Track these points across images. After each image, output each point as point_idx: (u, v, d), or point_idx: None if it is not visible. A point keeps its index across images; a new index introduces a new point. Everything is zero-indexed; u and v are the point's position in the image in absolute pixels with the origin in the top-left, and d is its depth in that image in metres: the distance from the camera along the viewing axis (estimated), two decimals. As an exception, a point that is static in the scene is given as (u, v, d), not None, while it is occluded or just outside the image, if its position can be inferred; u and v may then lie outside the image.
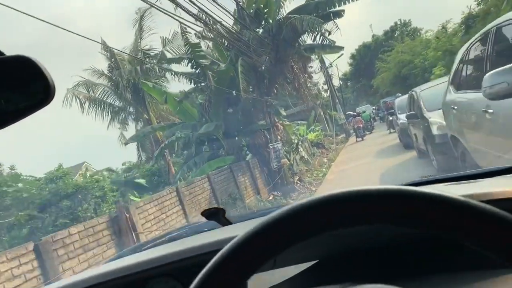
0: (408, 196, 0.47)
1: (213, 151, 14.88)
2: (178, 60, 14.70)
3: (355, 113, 29.89)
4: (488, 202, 0.49)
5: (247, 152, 15.25)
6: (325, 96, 44.52)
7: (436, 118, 6.76)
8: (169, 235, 1.85)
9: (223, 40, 13.84)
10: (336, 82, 54.69)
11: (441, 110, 5.75)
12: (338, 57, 32.62)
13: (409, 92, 10.19)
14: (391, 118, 21.05)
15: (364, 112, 31.19)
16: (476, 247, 0.45)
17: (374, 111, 41.71)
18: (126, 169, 22.78)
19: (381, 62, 40.02)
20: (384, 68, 38.41)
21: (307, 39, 14.99)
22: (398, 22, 47.16)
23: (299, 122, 31.11)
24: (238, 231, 0.84)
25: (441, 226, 0.46)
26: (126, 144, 20.63)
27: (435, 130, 6.83)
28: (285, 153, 15.70)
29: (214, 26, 12.82)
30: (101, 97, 17.28)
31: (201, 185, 11.30)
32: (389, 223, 0.48)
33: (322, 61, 31.69)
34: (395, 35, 46.29)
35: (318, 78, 47.40)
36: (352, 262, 0.98)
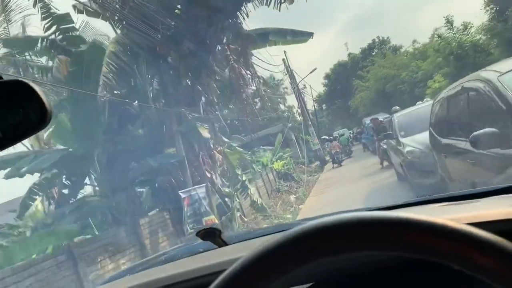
0: (375, 222, 0.47)
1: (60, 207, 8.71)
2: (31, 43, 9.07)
3: (331, 137, 27.56)
4: (477, 224, 0.51)
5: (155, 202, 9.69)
6: (298, 119, 40.01)
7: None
8: (164, 255, 1.78)
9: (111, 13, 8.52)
10: (310, 105, 50.42)
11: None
12: (311, 72, 27.94)
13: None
14: (384, 146, 16.11)
15: (342, 135, 29.03)
16: (466, 271, 0.45)
17: (351, 135, 37.19)
18: None
19: (360, 80, 35.67)
20: (363, 86, 33.96)
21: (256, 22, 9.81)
22: (376, 40, 43.28)
23: (264, 147, 25.94)
24: (235, 252, 0.95)
25: (414, 249, 0.46)
26: None
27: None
28: (225, 198, 10.38)
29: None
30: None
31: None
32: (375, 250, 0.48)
33: (292, 76, 26.87)
34: (373, 53, 42.31)
35: (291, 100, 42.98)
36: (347, 285, 0.98)
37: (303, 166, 28.64)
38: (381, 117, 17.71)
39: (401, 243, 0.46)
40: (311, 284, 0.99)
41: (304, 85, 45.13)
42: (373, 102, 28.53)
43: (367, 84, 33.27)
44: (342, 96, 45.16)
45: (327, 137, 30.29)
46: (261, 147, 25.98)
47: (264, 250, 0.48)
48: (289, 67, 26.73)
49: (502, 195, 1.09)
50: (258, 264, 0.48)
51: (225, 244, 1.28)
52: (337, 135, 31.94)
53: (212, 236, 1.26)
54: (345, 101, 45.68)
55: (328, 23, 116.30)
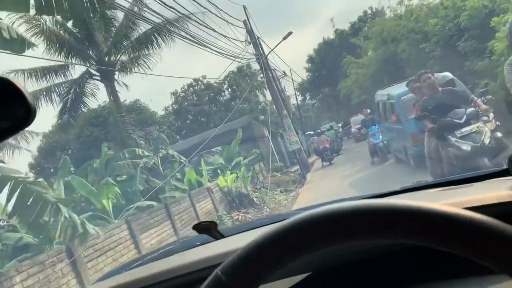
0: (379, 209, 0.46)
1: None
2: None
3: (318, 131, 23.48)
4: (474, 208, 0.51)
5: None
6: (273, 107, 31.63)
7: None
8: (160, 250, 1.78)
9: None
10: (294, 98, 42.06)
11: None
12: (285, 38, 19.54)
13: None
14: (374, 141, 12.01)
15: (329, 129, 25.12)
16: (464, 255, 0.45)
17: (341, 129, 29.49)
18: None
19: (352, 56, 27.42)
20: (356, 64, 25.68)
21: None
22: (369, 11, 34.98)
23: (216, 149, 17.52)
24: (232, 244, 0.94)
25: (414, 236, 0.46)
26: None
27: None
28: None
29: None
30: None
31: None
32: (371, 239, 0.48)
33: (255, 44, 18.44)
34: (365, 27, 34.13)
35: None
36: (345, 274, 0.97)
37: (278, 175, 20.27)
38: (396, 90, 9.49)
39: (397, 231, 0.46)
40: (308, 273, 0.99)
41: (284, 71, 36.76)
42: (373, 80, 20.18)
43: (362, 61, 25.00)
44: (329, 82, 36.96)
45: (312, 132, 26.84)
46: (214, 149, 17.55)
47: (260, 242, 0.48)
48: (252, 31, 18.33)
49: (499, 178, 1.08)
50: (255, 256, 0.48)
51: (222, 236, 1.27)
52: (324, 129, 25.71)
53: (208, 229, 1.25)
54: (333, 88, 37.47)
55: (313, 17, 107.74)
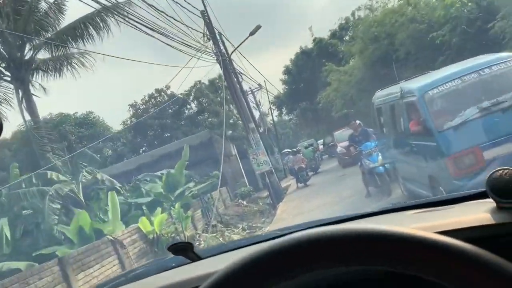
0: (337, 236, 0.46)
1: None
2: None
3: (294, 149, 22.26)
4: (448, 232, 0.53)
5: None
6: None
7: None
8: (134, 272, 1.70)
9: None
10: (269, 112, 38.41)
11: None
12: (252, 34, 15.88)
13: None
14: (370, 165, 8.44)
15: (306, 147, 23.56)
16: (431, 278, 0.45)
17: (319, 146, 27.94)
18: None
19: (333, 63, 24.06)
20: (338, 72, 22.25)
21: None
22: (351, 18, 31.70)
23: (160, 173, 13.44)
24: (209, 266, 0.91)
25: (377, 260, 0.46)
26: None
27: None
28: None
29: None
30: None
31: None
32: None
33: (215, 41, 14.65)
34: (347, 36, 30.89)
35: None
36: None
37: (244, 203, 16.32)
38: (416, 82, 5.70)
39: (361, 256, 0.45)
40: None
41: (260, 84, 33.02)
42: (359, 88, 16.63)
43: (345, 68, 21.54)
44: (308, 95, 33.40)
45: (289, 150, 24.05)
46: (158, 173, 13.43)
47: (238, 266, 0.47)
48: (210, 22, 14.53)
49: (477, 200, 1.04)
50: (232, 280, 0.47)
51: (199, 258, 1.24)
52: (301, 148, 24.05)
53: (184, 250, 1.21)
54: (311, 101, 33.97)
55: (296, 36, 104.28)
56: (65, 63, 15.49)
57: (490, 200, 0.84)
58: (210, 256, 1.27)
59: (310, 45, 34.30)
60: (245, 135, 19.55)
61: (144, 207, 9.79)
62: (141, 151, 29.77)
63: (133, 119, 32.85)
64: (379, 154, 8.25)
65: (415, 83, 5.58)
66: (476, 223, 0.78)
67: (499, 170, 0.82)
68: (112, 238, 7.22)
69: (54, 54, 15.12)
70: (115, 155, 28.81)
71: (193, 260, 1.21)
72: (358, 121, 9.70)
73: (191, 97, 32.99)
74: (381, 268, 0.46)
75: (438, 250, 0.43)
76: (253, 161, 14.47)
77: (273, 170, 15.32)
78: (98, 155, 29.12)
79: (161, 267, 1.42)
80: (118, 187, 13.50)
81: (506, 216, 0.79)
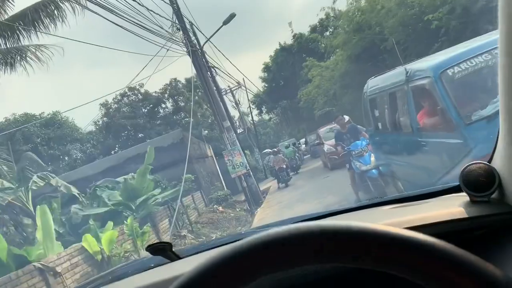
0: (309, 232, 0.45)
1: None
2: None
3: (274, 149, 21.51)
4: (419, 227, 0.51)
5: None
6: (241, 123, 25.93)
7: None
8: (113, 273, 1.65)
9: None
10: (248, 111, 37.09)
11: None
12: (225, 23, 14.53)
13: None
14: (361, 167, 7.06)
15: (287, 147, 23.00)
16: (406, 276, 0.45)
17: (300, 145, 27.64)
18: None
19: (313, 58, 22.95)
20: (319, 68, 21.12)
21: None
22: (331, 13, 30.52)
23: (122, 178, 11.93)
24: (187, 265, 0.83)
25: (345, 259, 0.45)
26: None
27: None
28: None
29: None
30: None
31: None
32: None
33: (184, 29, 13.24)
34: (328, 32, 29.74)
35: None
36: None
37: (220, 208, 14.98)
38: (427, 62, 4.42)
39: (329, 254, 0.45)
40: None
41: (238, 82, 31.51)
42: (343, 83, 15.48)
43: (327, 63, 20.39)
44: (288, 93, 32.20)
45: (269, 150, 23.93)
46: (119, 179, 11.91)
47: (209, 265, 0.46)
48: (179, 10, 13.10)
49: (452, 194, 1.05)
50: (202, 280, 0.46)
51: (178, 257, 1.24)
52: (281, 147, 23.47)
53: (163, 250, 1.20)
54: (292, 100, 32.81)
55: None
56: (18, 57, 13.82)
57: (464, 194, 0.84)
58: (189, 256, 1.27)
59: (289, 41, 33.18)
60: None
61: (91, 221, 8.21)
62: (113, 153, 28.05)
63: (104, 119, 31.08)
64: (372, 154, 7.02)
65: (426, 63, 4.32)
66: (449, 217, 0.78)
67: (472, 164, 0.81)
68: (40, 265, 5.73)
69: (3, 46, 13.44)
70: (84, 158, 27.00)
71: (172, 260, 1.22)
72: (346, 117, 8.47)
73: (166, 96, 31.38)
74: (349, 266, 0.45)
75: (403, 246, 0.42)
76: (228, 163, 13.10)
77: (251, 173, 13.98)
78: (66, 157, 27.30)
79: (140, 267, 1.42)
80: (76, 194, 11.97)
81: (479, 210, 0.79)
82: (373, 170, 6.84)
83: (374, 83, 6.21)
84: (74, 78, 60.27)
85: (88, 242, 6.84)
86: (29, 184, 11.02)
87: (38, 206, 7.21)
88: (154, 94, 31.09)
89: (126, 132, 30.14)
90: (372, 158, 6.97)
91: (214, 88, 14.46)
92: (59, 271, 5.86)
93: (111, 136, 29.55)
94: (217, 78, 18.93)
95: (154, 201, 9.80)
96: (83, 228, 9.97)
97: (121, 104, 31.24)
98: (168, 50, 13.58)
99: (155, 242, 1.23)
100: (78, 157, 27.67)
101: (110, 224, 7.73)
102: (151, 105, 30.97)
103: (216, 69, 15.81)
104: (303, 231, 0.44)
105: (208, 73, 14.37)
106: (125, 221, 8.13)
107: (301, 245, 0.44)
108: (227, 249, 0.47)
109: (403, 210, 1.06)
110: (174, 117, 31.55)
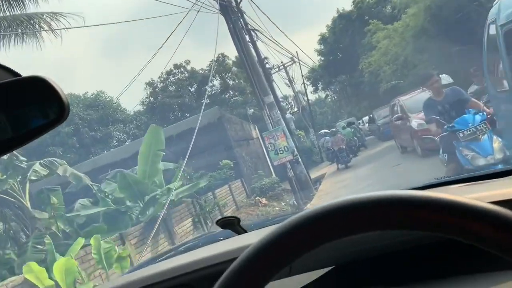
0: (408, 200, 0.46)
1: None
2: None
3: (333, 130, 19.52)
4: (497, 203, 0.52)
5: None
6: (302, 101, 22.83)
7: None
8: (184, 245, 1.82)
9: None
10: (302, 88, 34.00)
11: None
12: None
13: None
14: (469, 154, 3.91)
15: (344, 128, 20.27)
16: (483, 247, 0.46)
17: (367, 125, 25.27)
18: None
19: (379, 20, 19.54)
20: (386, 31, 17.75)
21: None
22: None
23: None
24: (253, 239, 0.90)
25: (441, 228, 0.46)
26: None
27: None
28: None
29: None
30: None
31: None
32: (395, 228, 0.48)
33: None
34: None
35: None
36: (368, 268, 0.98)
37: (263, 201, 12.54)
38: None
39: (421, 222, 0.46)
40: (331, 267, 1.00)
41: (292, 57, 28.42)
42: (416, 47, 12.16)
43: (395, 26, 16.87)
44: (347, 67, 28.73)
45: (326, 131, 21.81)
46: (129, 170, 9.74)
47: (272, 237, 0.49)
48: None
49: None
50: (269, 248, 0.48)
51: (244, 231, 1.27)
52: (339, 128, 21.21)
53: (231, 224, 1.25)
54: (351, 74, 29.33)
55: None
56: (28, 25, 12.00)
57: None
58: (255, 229, 1.32)
59: (348, 7, 29.46)
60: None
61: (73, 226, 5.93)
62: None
63: (151, 98, 29.61)
64: (494, 137, 4.07)
65: None
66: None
67: None
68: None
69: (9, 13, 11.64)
70: (126, 139, 25.71)
71: (239, 233, 1.27)
72: (445, 76, 5.50)
73: (213, 73, 29.19)
74: (427, 234, 0.46)
75: (482, 217, 0.43)
76: (269, 147, 10.48)
77: (299, 159, 11.26)
78: (109, 139, 26.12)
79: (210, 240, 1.54)
80: (89, 185, 10.00)
81: None
82: (499, 166, 3.91)
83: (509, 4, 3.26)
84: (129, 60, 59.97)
85: (33, 272, 4.57)
86: (28, 174, 9.14)
87: None
88: (200, 71, 29.03)
89: (172, 112, 28.46)
90: (496, 144, 4.03)
91: (255, 55, 11.78)
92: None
93: (156, 116, 28.01)
94: (268, 53, 16.26)
95: (164, 198, 7.46)
96: (90, 227, 7.94)
97: (168, 83, 29.56)
98: (198, 11, 11.09)
99: (224, 216, 1.27)
100: (122, 138, 26.42)
101: (80, 240, 5.39)
102: (197, 84, 28.98)
103: (257, 32, 13.10)
104: (383, 198, 0.45)
105: (247, 36, 11.69)
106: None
107: (383, 210, 0.45)
108: (299, 215, 0.48)
109: (476, 187, 1.02)
110: (222, 95, 29.36)
